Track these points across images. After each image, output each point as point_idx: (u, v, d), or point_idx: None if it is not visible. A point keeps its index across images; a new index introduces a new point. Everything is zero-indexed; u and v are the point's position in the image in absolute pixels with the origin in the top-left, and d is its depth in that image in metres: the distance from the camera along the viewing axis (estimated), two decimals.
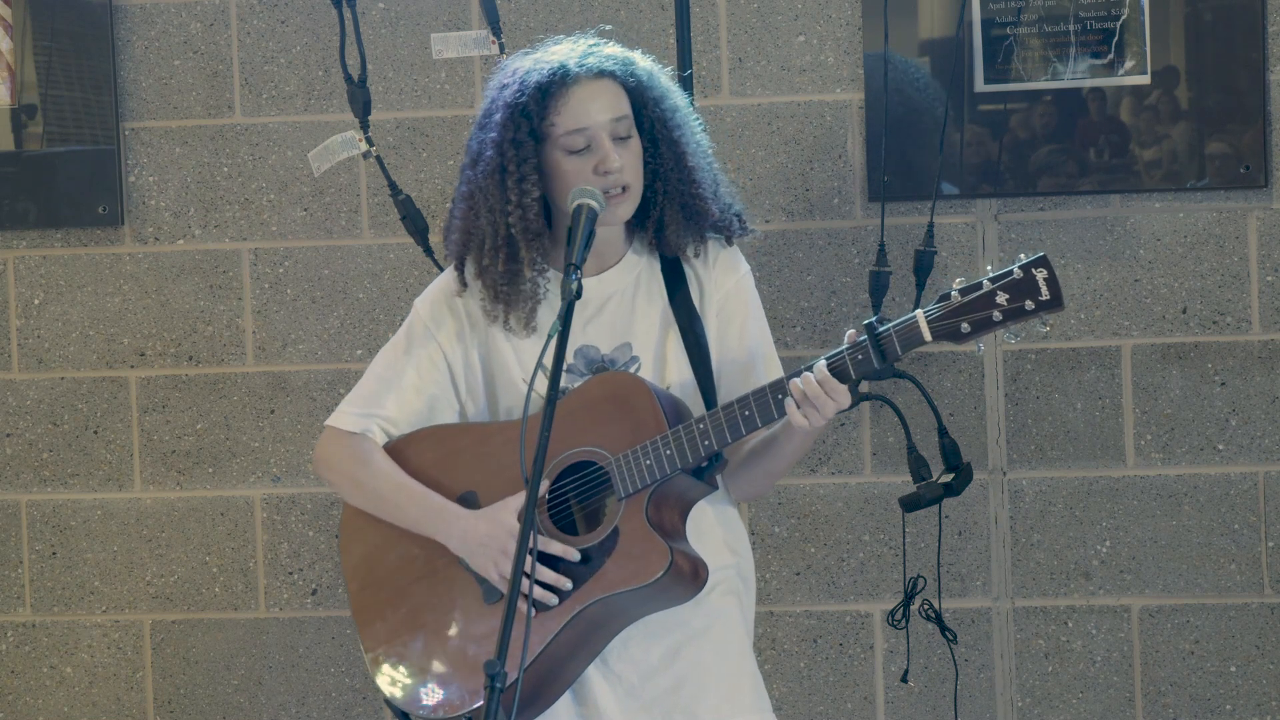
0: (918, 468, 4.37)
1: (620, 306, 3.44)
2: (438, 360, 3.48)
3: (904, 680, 4.65)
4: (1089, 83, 4.58)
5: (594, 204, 3.28)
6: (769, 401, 3.30)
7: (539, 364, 3.18)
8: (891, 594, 4.68)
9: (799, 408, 3.27)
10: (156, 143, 4.88)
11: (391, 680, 3.45)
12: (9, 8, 4.87)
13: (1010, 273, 3.21)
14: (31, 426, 4.93)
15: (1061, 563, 4.66)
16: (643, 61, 3.43)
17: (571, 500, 3.38)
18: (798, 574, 4.73)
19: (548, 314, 3.43)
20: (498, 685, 2.96)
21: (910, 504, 4.36)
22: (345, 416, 3.50)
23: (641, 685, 3.41)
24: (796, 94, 4.70)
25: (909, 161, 4.62)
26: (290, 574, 4.87)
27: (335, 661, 4.87)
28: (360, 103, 4.40)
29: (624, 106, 3.38)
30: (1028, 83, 4.59)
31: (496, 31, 4.35)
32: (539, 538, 3.34)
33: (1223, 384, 4.61)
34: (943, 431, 4.38)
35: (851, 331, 3.30)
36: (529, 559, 3.10)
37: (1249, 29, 4.54)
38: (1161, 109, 4.58)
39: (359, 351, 4.83)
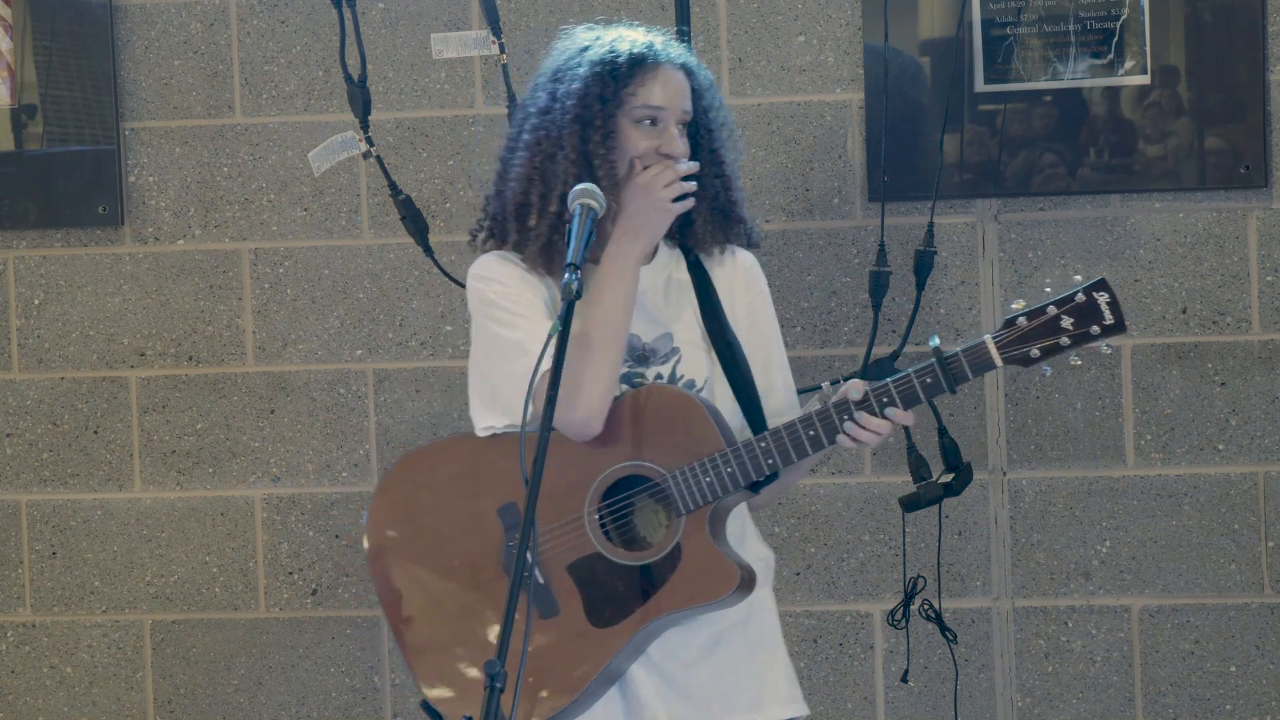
0: (918, 468, 4.37)
1: (656, 299, 3.47)
2: (536, 303, 3.44)
3: (904, 680, 4.65)
4: (1089, 82, 4.58)
5: (594, 204, 3.27)
6: (834, 422, 3.34)
7: (538, 365, 3.18)
8: (891, 594, 4.68)
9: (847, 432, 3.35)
10: (156, 143, 4.88)
11: (441, 695, 3.41)
12: (9, 8, 4.87)
13: (1073, 296, 3.27)
14: (31, 426, 4.93)
15: (1061, 563, 4.66)
16: (705, 71, 3.54)
17: (623, 514, 3.39)
18: (798, 574, 4.73)
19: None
20: (498, 685, 2.95)
21: (910, 504, 4.37)
22: (483, 421, 3.41)
23: (682, 676, 3.43)
24: (796, 94, 4.70)
25: (909, 161, 4.62)
26: (290, 574, 4.87)
27: (335, 661, 4.87)
28: (360, 103, 4.40)
29: (690, 103, 3.47)
30: (1028, 83, 4.59)
31: (496, 31, 4.35)
32: (610, 547, 3.37)
33: (1223, 384, 4.61)
34: (943, 431, 4.38)
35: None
36: (529, 560, 3.10)
37: (1249, 29, 4.54)
38: (1161, 109, 4.58)
39: (359, 351, 4.83)
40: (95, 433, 4.92)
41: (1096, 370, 4.63)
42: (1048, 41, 4.58)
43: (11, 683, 4.96)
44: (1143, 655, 4.65)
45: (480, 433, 3.41)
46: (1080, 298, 3.27)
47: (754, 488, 3.38)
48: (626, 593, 3.35)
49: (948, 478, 4.37)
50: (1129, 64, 4.57)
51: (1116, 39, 4.56)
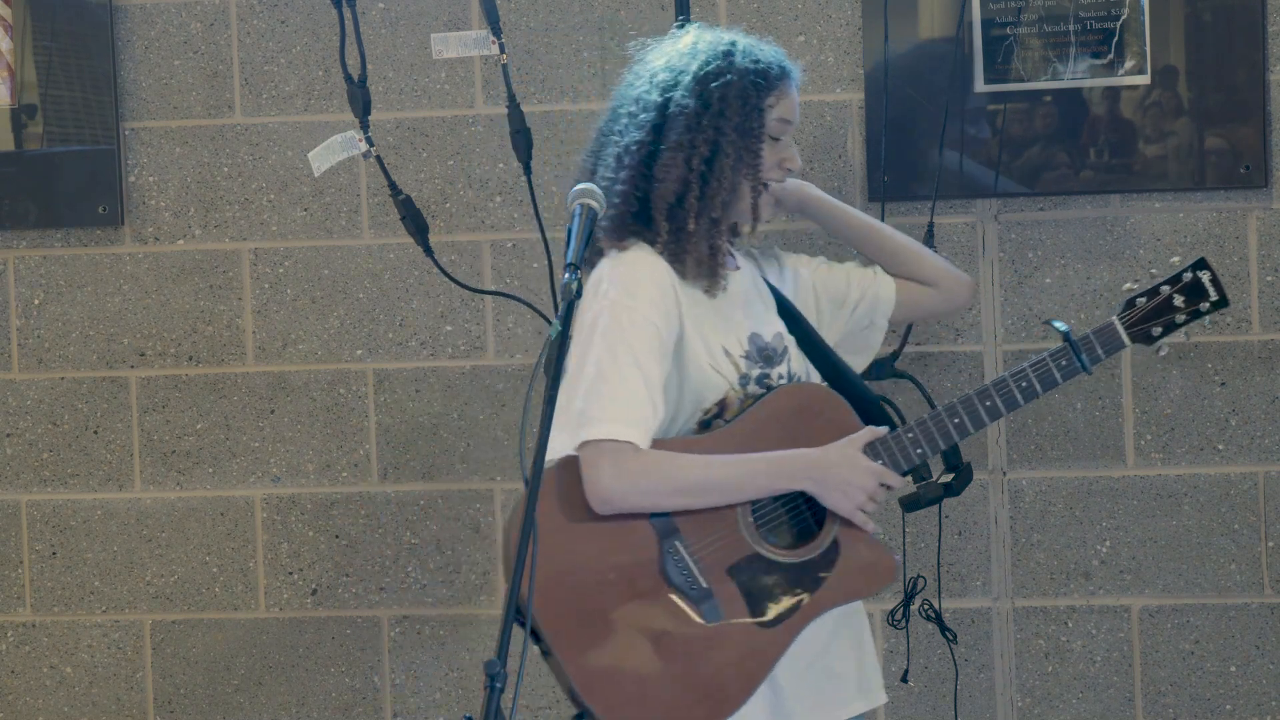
0: (918, 468, 4.37)
1: (755, 300, 3.54)
2: (661, 349, 3.42)
3: (904, 680, 4.65)
4: (1089, 83, 4.58)
5: (594, 204, 3.27)
6: (977, 407, 3.54)
7: (538, 364, 3.17)
8: (891, 594, 4.67)
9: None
10: (156, 143, 4.88)
11: (610, 707, 3.35)
12: (9, 8, 4.87)
13: (1180, 276, 3.55)
14: (31, 426, 4.93)
15: (1061, 563, 4.66)
16: None
17: (768, 514, 3.40)
18: None
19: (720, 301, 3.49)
20: (498, 685, 2.95)
21: (910, 504, 4.36)
22: (604, 426, 3.33)
23: (817, 663, 3.47)
24: None
25: (909, 161, 4.62)
26: (290, 574, 4.87)
27: (335, 661, 4.87)
28: (360, 103, 4.40)
29: None
30: (1028, 83, 4.59)
31: (496, 31, 4.35)
32: (768, 547, 3.40)
33: (1223, 384, 4.61)
34: None
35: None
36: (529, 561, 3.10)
37: (1249, 29, 4.54)
38: (1161, 109, 4.58)
39: (359, 351, 4.83)
40: (95, 433, 4.92)
41: (1097, 370, 4.63)
42: (1048, 41, 4.58)
43: (11, 683, 4.96)
44: (1143, 655, 4.65)
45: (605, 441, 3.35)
46: (1188, 276, 3.54)
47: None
48: (789, 591, 3.38)
49: (948, 478, 4.36)
50: (1129, 64, 4.57)
51: (1116, 39, 4.56)
